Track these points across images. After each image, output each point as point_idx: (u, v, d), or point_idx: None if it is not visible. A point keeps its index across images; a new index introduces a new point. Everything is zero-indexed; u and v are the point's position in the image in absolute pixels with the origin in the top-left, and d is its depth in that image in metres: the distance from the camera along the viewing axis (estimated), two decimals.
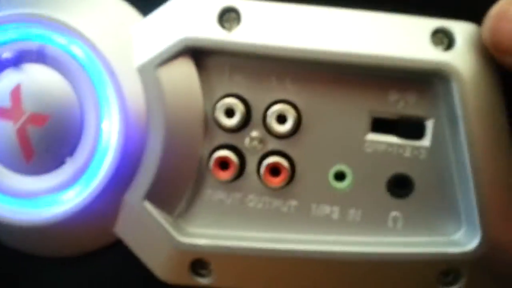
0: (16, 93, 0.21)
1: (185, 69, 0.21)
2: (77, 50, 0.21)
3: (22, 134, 0.21)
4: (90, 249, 0.24)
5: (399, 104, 0.21)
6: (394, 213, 0.22)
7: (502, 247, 0.21)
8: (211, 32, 0.21)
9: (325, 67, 0.21)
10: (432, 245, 0.21)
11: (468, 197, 0.21)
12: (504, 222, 0.21)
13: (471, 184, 0.20)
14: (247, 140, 0.22)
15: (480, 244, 0.21)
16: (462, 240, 0.21)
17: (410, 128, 0.21)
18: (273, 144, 0.22)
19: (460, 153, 0.21)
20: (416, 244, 0.22)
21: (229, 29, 0.21)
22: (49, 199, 0.22)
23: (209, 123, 0.22)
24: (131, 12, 0.23)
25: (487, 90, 0.20)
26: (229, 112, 0.22)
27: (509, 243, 0.21)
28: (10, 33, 0.22)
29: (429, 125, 0.21)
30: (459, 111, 0.20)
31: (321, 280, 0.22)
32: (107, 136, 0.21)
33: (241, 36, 0.21)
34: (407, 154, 0.21)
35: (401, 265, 0.21)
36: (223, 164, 0.22)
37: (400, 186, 0.22)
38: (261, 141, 0.22)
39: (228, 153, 0.22)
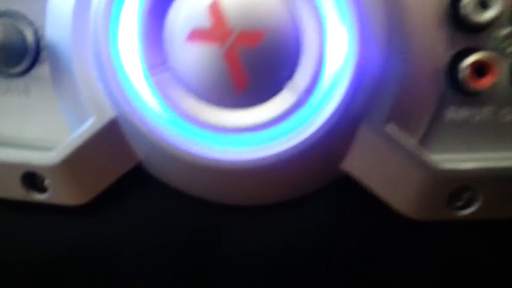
0: (215, 8, 0.18)
1: None
2: None
3: (231, 57, 0.17)
4: (305, 193, 0.19)
5: None
6: None
7: None
8: None
9: None
10: None
11: None
12: None
13: None
14: (495, 42, 0.18)
15: None
16: None
17: None
18: None
19: None
20: None
21: None
22: (267, 134, 0.18)
23: (448, 25, 0.18)
24: None
25: None
26: (482, 4, 0.17)
27: None
28: None
29: None
30: None
31: None
32: (334, 51, 0.17)
33: None
34: None
35: None
36: (479, 70, 0.17)
37: None
38: None
39: (484, 55, 0.17)
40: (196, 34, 0.17)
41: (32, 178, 0.19)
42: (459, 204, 0.18)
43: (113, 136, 0.18)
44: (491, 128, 0.18)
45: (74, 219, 0.20)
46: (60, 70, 0.19)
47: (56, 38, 0.19)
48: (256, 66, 0.17)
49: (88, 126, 0.18)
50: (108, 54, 0.18)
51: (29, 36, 0.20)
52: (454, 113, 0.18)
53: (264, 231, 0.19)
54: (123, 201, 0.20)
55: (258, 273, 0.20)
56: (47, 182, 0.19)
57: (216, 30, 0.17)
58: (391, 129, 0.17)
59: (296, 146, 0.17)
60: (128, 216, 0.20)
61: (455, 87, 0.18)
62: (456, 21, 0.18)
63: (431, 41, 0.18)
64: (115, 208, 0.20)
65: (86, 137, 0.18)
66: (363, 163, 0.18)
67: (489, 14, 0.17)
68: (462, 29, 0.18)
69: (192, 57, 0.17)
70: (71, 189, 0.19)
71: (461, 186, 0.18)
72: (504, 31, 0.18)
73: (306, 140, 0.17)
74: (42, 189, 0.20)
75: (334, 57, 0.17)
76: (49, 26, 0.19)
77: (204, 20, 0.17)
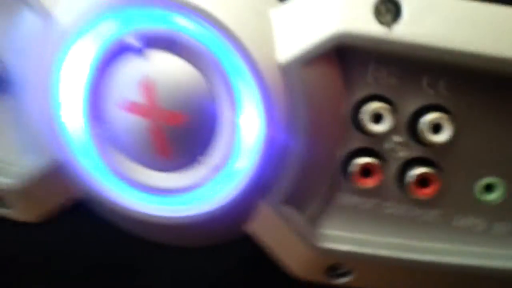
0: (147, 87, 0.20)
1: (329, 68, 0.20)
2: (210, 37, 0.19)
3: (156, 132, 0.19)
4: (214, 243, 0.23)
5: None
6: None
7: None
8: (368, 28, 0.19)
9: (492, 73, 0.19)
10: None
11: None
12: None
13: None
14: (388, 145, 0.21)
15: None
16: None
17: None
18: (418, 151, 0.20)
19: None
20: None
21: (387, 24, 0.19)
22: (181, 198, 0.21)
23: (347, 125, 0.21)
24: None
25: None
26: (377, 117, 0.20)
27: None
28: (135, 18, 0.19)
29: None
30: None
31: None
32: (245, 135, 0.20)
33: (401, 33, 0.19)
34: None
35: None
36: (366, 171, 0.20)
37: None
38: (405, 146, 0.21)
39: (372, 160, 0.20)
40: (128, 105, 0.20)
41: None
42: (337, 273, 0.21)
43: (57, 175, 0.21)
44: (375, 216, 0.21)
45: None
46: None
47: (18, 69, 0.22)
48: (178, 142, 0.20)
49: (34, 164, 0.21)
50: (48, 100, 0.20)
51: None
52: (343, 199, 0.21)
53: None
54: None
55: None
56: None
57: (145, 106, 0.20)
58: (286, 208, 0.20)
59: (200, 211, 0.20)
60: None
61: (347, 179, 0.21)
62: (356, 125, 0.20)
63: (331, 139, 0.20)
64: None
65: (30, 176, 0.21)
66: (262, 229, 0.21)
67: (382, 127, 0.20)
68: (362, 132, 0.20)
69: (123, 122, 0.20)
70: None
71: (336, 262, 0.21)
72: (398, 139, 0.20)
73: (208, 206, 0.20)
74: None
75: (247, 140, 0.20)
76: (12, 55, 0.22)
77: (137, 94, 0.19)
